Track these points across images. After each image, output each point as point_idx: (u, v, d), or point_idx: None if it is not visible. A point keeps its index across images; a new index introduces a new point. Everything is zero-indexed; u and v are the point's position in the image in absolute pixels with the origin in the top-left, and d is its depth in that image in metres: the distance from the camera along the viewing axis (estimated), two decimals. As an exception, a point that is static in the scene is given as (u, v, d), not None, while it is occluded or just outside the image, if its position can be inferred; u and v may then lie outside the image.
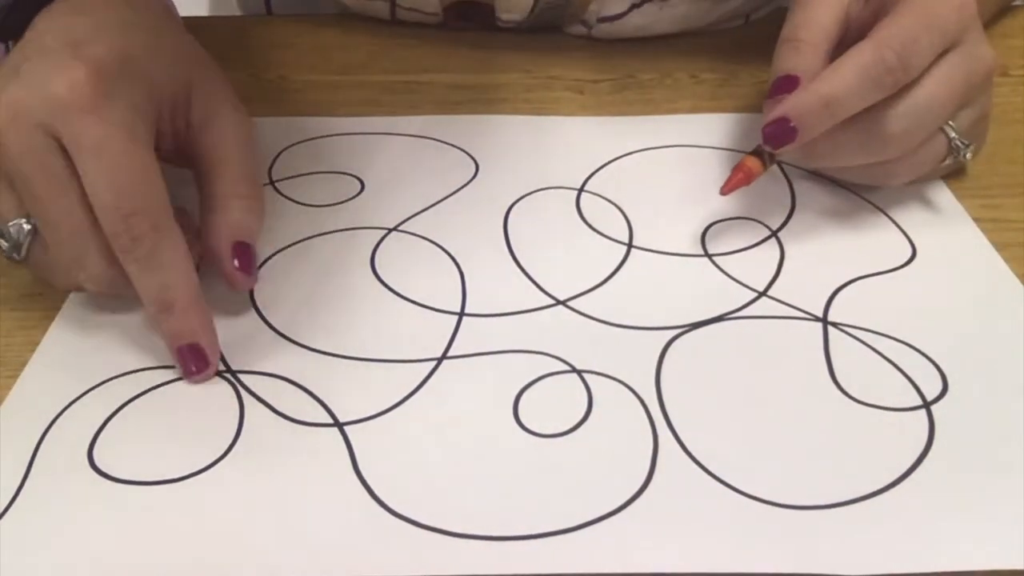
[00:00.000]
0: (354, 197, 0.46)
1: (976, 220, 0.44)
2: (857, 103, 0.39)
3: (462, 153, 0.49)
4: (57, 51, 0.36)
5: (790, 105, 0.39)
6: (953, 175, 0.47)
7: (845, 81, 0.38)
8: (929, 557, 0.30)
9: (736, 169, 0.42)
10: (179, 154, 0.40)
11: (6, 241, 0.37)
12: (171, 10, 0.44)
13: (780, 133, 0.40)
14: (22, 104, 0.35)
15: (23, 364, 0.37)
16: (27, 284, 0.41)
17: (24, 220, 0.37)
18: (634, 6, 0.57)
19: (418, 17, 0.60)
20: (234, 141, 0.40)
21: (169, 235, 0.35)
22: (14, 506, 0.32)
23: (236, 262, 0.38)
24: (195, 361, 0.36)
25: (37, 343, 0.38)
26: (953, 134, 0.41)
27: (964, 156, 0.42)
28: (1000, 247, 0.42)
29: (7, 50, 0.43)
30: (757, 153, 0.42)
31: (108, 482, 0.33)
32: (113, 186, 0.34)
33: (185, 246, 0.36)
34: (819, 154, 0.42)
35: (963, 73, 0.40)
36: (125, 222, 0.34)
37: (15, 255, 0.37)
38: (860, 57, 0.39)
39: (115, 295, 0.38)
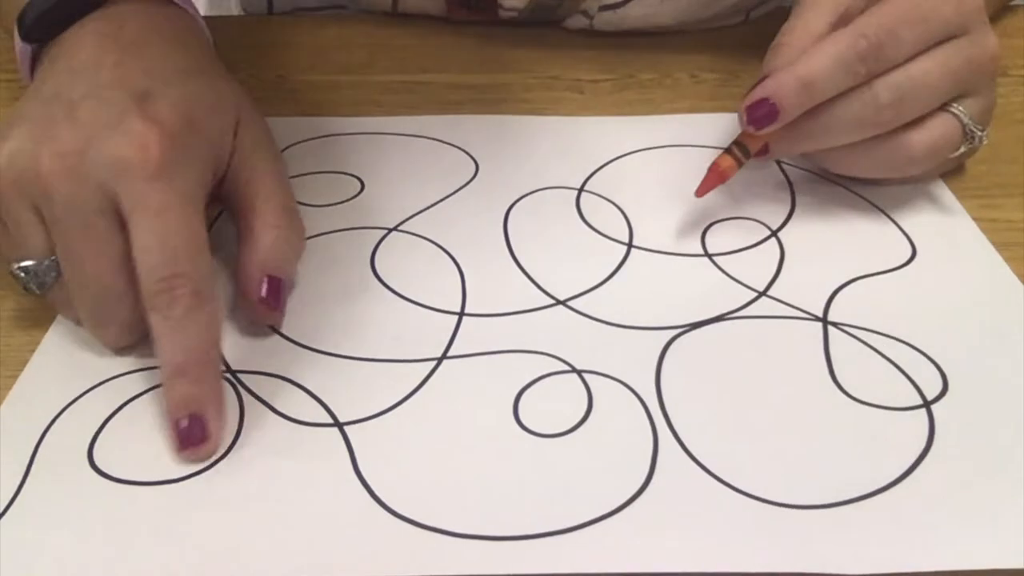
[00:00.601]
0: (354, 197, 0.46)
1: (976, 220, 0.44)
2: (831, 87, 0.40)
3: (462, 153, 0.49)
4: (121, 105, 0.36)
5: (770, 86, 0.40)
6: (953, 175, 0.47)
7: (820, 64, 0.40)
8: (929, 557, 0.30)
9: (710, 170, 0.42)
10: (217, 195, 0.40)
11: (28, 276, 0.37)
12: (209, 43, 0.44)
13: (762, 114, 0.41)
14: (84, 158, 0.35)
15: (23, 364, 0.37)
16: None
17: (50, 259, 0.36)
18: None
19: (421, 6, 0.60)
20: (271, 175, 0.40)
21: (207, 303, 0.35)
22: (14, 506, 0.32)
23: (264, 293, 0.37)
24: (197, 433, 0.33)
25: (37, 343, 0.38)
26: (966, 119, 0.42)
27: (980, 141, 0.43)
28: (1000, 247, 0.42)
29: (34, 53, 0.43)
30: (730, 152, 0.42)
31: (108, 482, 0.33)
32: (165, 250, 0.34)
33: (219, 320, 0.36)
34: (809, 136, 0.42)
35: (962, 57, 0.41)
36: (168, 282, 0.34)
37: (35, 289, 0.37)
38: (836, 42, 0.40)
39: (115, 347, 0.37)
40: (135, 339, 0.37)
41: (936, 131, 0.42)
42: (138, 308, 0.35)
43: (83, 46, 0.39)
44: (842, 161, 0.44)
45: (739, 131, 0.42)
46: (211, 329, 0.35)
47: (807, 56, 0.40)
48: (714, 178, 0.42)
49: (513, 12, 0.59)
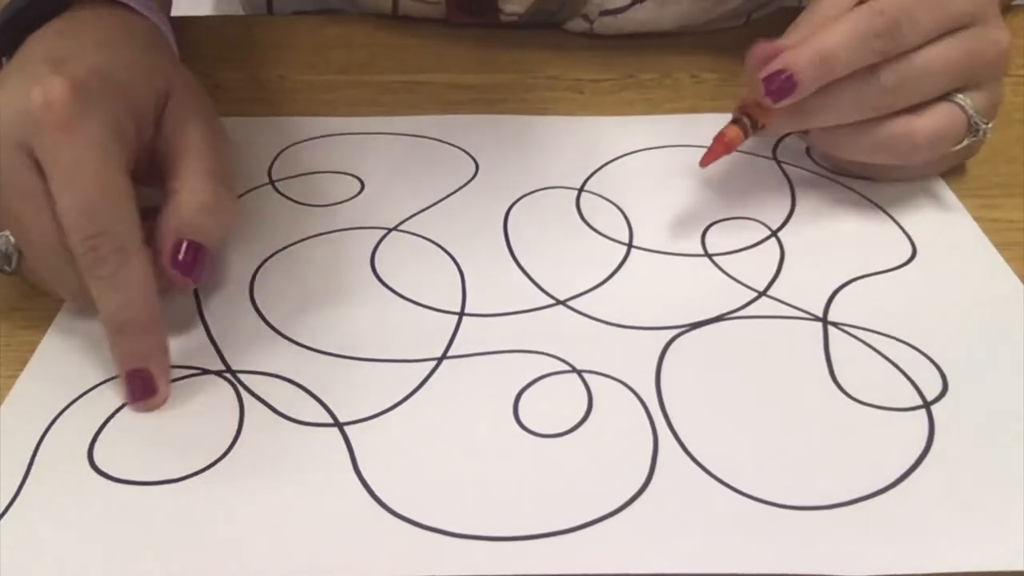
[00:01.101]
0: (354, 197, 0.46)
1: (976, 220, 0.44)
2: (849, 62, 0.40)
3: (462, 153, 0.49)
4: (36, 67, 0.36)
5: (789, 58, 0.40)
6: (954, 174, 0.47)
7: (838, 38, 0.40)
8: (930, 558, 0.30)
9: (716, 140, 0.42)
10: (152, 169, 0.39)
11: None
12: (157, 30, 0.44)
13: (778, 86, 0.40)
14: (0, 121, 0.35)
15: (23, 364, 0.37)
16: (27, 284, 0.41)
17: (3, 233, 0.37)
18: (636, 1, 0.57)
19: (421, 9, 0.60)
20: (201, 141, 0.38)
21: (134, 257, 0.35)
22: (14, 506, 0.32)
23: (180, 257, 0.36)
24: (142, 387, 0.35)
25: (37, 343, 0.38)
26: (971, 111, 0.42)
27: (984, 135, 0.43)
28: (1000, 247, 0.42)
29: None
30: (737, 122, 0.42)
31: (108, 482, 0.33)
32: (83, 208, 0.34)
33: (149, 270, 0.35)
34: (812, 111, 0.42)
35: (967, 49, 0.41)
36: (91, 242, 0.34)
37: (5, 267, 0.37)
38: (854, 19, 0.40)
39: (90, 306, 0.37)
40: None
41: (941, 120, 0.42)
42: None
43: (28, 41, 0.40)
44: (845, 143, 0.43)
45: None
46: (144, 284, 0.35)
47: (825, 31, 0.40)
48: (720, 148, 0.42)
49: (513, 16, 0.59)
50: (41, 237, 0.35)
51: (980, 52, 0.41)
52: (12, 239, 0.37)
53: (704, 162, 0.42)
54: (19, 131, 0.35)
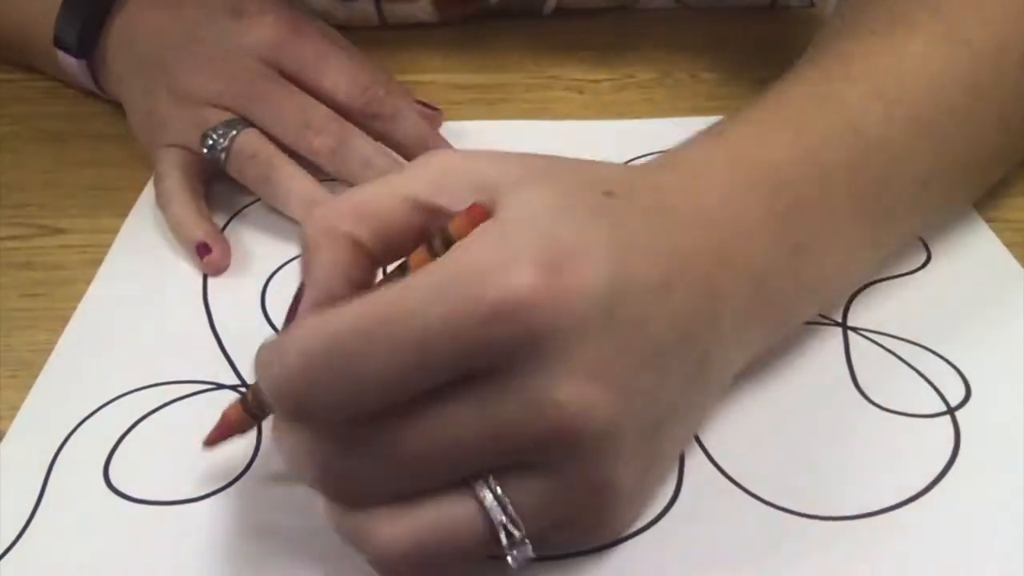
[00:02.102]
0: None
1: (976, 220, 0.44)
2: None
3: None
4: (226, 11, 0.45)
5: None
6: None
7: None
8: (966, 566, 0.29)
9: (221, 418, 0.31)
10: None
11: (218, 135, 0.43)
12: None
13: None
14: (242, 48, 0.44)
15: (23, 364, 0.37)
16: (27, 284, 0.41)
17: (226, 119, 0.43)
18: None
19: (408, 10, 0.59)
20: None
21: (404, 98, 0.46)
22: (30, 527, 0.31)
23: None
24: None
25: (37, 343, 0.38)
26: (500, 516, 0.26)
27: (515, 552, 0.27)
28: (1000, 247, 0.42)
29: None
30: (243, 400, 0.30)
31: (125, 501, 0.32)
32: (349, 73, 0.44)
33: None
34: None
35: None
36: (368, 93, 0.44)
37: (221, 156, 0.43)
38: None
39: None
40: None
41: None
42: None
43: (140, 22, 0.47)
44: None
45: None
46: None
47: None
48: (223, 429, 0.31)
49: None
50: (288, 102, 0.43)
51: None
52: (234, 130, 0.43)
53: (207, 441, 0.31)
54: (264, 51, 0.44)
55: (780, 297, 0.32)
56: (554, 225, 0.26)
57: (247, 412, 0.30)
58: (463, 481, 0.26)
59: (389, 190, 0.28)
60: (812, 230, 0.32)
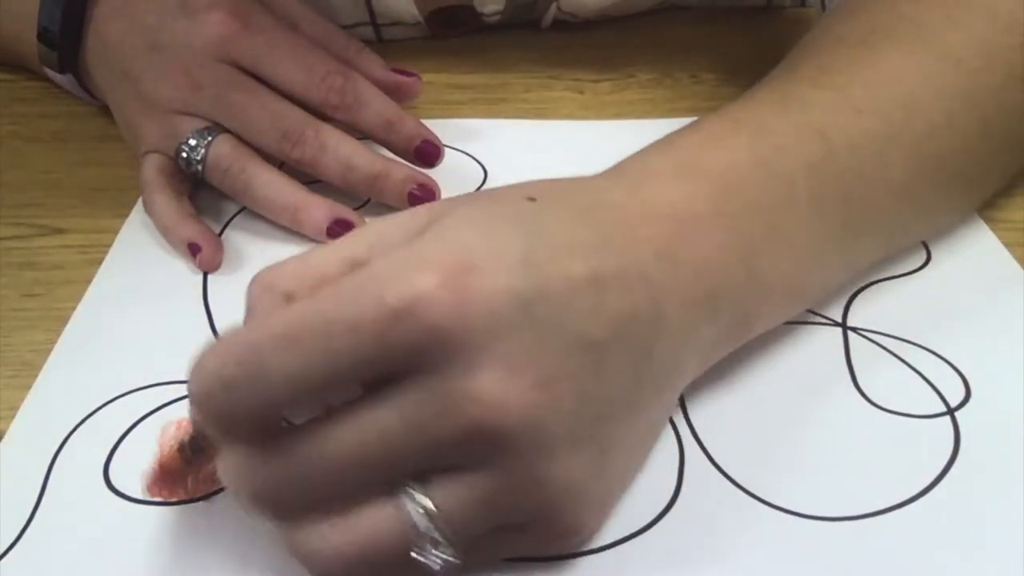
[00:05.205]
0: (363, 205, 0.45)
1: (976, 220, 0.44)
2: None
3: (470, 159, 0.49)
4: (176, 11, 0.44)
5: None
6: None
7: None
8: (966, 565, 0.29)
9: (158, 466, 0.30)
10: None
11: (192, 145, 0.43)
12: None
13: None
14: (196, 48, 0.43)
15: (23, 364, 0.37)
16: (27, 284, 0.41)
17: (201, 127, 0.43)
18: None
19: (403, 32, 0.59)
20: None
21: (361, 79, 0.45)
22: (30, 527, 0.31)
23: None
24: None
25: (37, 343, 0.38)
26: (420, 521, 0.26)
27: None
28: (1000, 247, 0.42)
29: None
30: (181, 447, 0.29)
31: (125, 502, 0.32)
32: (299, 63, 0.43)
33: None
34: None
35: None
36: (325, 82, 0.43)
37: (200, 151, 0.43)
38: None
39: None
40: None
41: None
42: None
43: (104, 33, 0.46)
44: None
45: None
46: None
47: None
48: (157, 476, 0.30)
49: (495, 16, 0.58)
50: (261, 112, 0.42)
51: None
52: (207, 139, 0.42)
53: (151, 489, 0.30)
54: (215, 50, 0.43)
55: (732, 296, 0.31)
56: (463, 233, 0.27)
57: (181, 453, 0.29)
58: (391, 488, 0.26)
59: (331, 252, 0.28)
60: (766, 230, 0.32)
